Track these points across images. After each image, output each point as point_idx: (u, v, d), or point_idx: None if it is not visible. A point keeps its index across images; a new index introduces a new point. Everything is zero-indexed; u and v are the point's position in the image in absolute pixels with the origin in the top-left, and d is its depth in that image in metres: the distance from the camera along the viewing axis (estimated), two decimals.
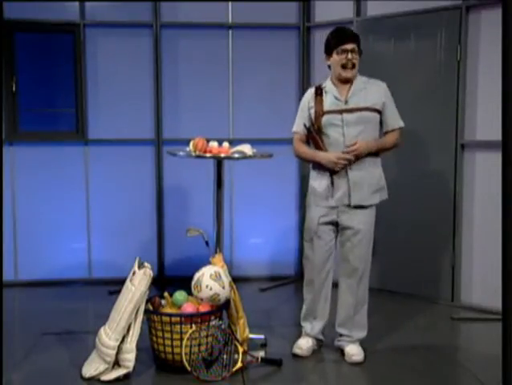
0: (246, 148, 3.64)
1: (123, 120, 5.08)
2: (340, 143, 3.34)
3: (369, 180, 3.40)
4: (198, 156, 3.57)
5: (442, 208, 4.56)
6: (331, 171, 3.36)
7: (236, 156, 3.61)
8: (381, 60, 4.73)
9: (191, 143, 3.61)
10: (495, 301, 4.11)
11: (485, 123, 4.35)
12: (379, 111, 3.40)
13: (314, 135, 3.38)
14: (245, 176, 5.11)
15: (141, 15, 5.03)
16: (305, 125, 3.43)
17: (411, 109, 4.63)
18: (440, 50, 4.49)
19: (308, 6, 5.13)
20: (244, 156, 3.61)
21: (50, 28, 5.00)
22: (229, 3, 5.10)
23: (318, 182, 3.44)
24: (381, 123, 3.46)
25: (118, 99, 5.07)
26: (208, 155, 3.57)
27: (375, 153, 3.42)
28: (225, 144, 3.68)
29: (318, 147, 3.39)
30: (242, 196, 5.21)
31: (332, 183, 3.37)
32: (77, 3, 4.96)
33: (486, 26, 4.28)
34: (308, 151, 3.47)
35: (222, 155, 3.59)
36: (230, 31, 5.14)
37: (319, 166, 3.42)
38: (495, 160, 4.20)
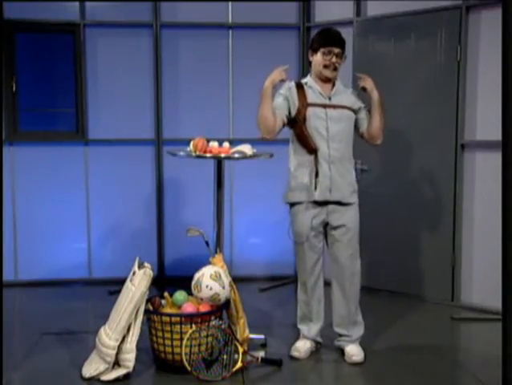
0: (246, 148, 3.64)
1: (123, 120, 5.08)
2: (324, 137, 3.39)
3: (349, 180, 3.46)
4: (198, 156, 3.57)
5: (442, 208, 4.56)
6: (316, 164, 3.38)
7: (236, 156, 3.61)
8: (381, 60, 4.73)
9: (191, 143, 3.61)
10: (495, 301, 4.11)
11: (485, 123, 4.36)
12: (355, 112, 3.49)
13: (301, 125, 3.40)
14: (245, 176, 5.11)
15: (141, 15, 5.04)
16: (287, 116, 3.45)
17: (411, 109, 4.64)
18: (440, 51, 4.49)
19: (308, 6, 5.13)
20: (244, 156, 3.62)
21: (50, 28, 5.00)
22: (229, 3, 5.10)
23: (299, 178, 3.45)
24: (357, 125, 3.53)
25: (118, 99, 5.07)
26: (208, 155, 3.58)
27: (351, 154, 3.51)
28: (225, 144, 3.68)
29: (304, 137, 3.41)
30: (242, 196, 5.21)
31: (317, 174, 3.39)
32: (77, 3, 4.96)
33: (486, 26, 4.28)
34: (259, 102, 3.44)
35: (222, 155, 3.59)
36: (230, 31, 5.14)
37: (300, 162, 3.45)
38: (495, 160, 4.20)
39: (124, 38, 5.06)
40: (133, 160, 5.12)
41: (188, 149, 3.64)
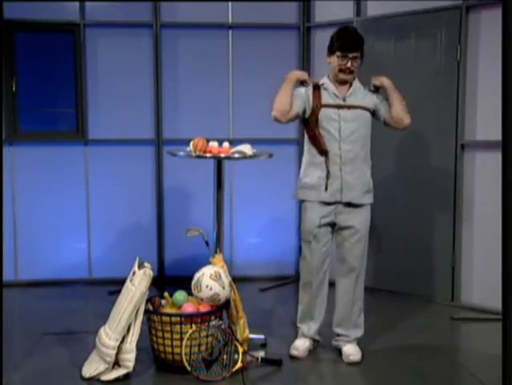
0: (246, 148, 3.64)
1: (123, 120, 5.08)
2: (336, 138, 3.38)
3: (362, 180, 3.45)
4: (198, 156, 3.57)
5: (442, 208, 4.56)
6: (328, 165, 3.38)
7: (236, 156, 3.61)
8: (381, 60, 4.73)
9: (191, 143, 3.61)
10: (495, 302, 4.11)
11: (485, 123, 4.36)
12: (371, 112, 3.47)
13: (313, 127, 3.41)
14: (245, 176, 5.11)
15: (141, 15, 5.03)
16: (304, 116, 3.44)
17: (411, 109, 4.60)
18: (440, 51, 4.49)
19: (308, 6, 5.13)
20: (244, 156, 3.61)
21: (50, 28, 5.00)
22: (229, 3, 5.10)
23: (309, 177, 3.46)
24: (377, 117, 3.50)
25: (118, 99, 5.07)
26: (208, 155, 3.57)
27: (367, 154, 3.49)
28: (225, 144, 3.68)
29: (315, 138, 3.41)
30: (242, 196, 5.21)
31: (328, 176, 3.39)
32: (77, 3, 4.96)
33: (486, 26, 4.28)
34: (281, 86, 3.42)
35: (222, 155, 3.59)
36: (230, 31, 5.14)
37: (312, 161, 3.44)
38: (495, 160, 4.20)
39: (124, 38, 5.06)
40: (133, 160, 5.12)
41: (188, 149, 3.63)
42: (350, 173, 3.39)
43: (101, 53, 5.04)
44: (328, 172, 3.38)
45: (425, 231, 4.66)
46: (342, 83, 3.43)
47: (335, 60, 3.39)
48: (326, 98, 3.41)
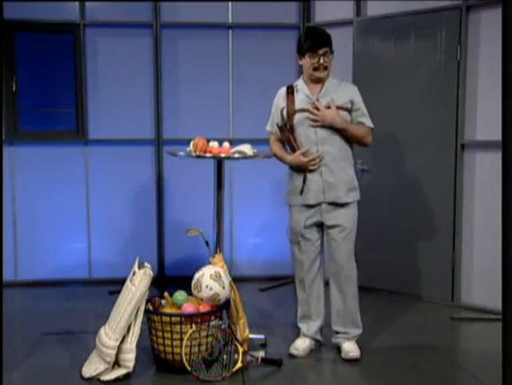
0: (246, 148, 3.64)
1: (123, 120, 5.08)
2: (313, 141, 3.40)
3: (344, 179, 3.44)
4: (198, 156, 3.57)
5: (442, 208, 4.56)
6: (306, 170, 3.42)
7: (236, 156, 3.61)
8: (381, 60, 4.73)
9: (191, 143, 3.62)
10: (495, 301, 4.11)
11: (485, 123, 4.35)
12: (349, 110, 3.45)
13: (288, 134, 3.42)
14: (245, 176, 5.11)
15: (141, 15, 5.04)
16: (277, 124, 3.48)
17: (411, 109, 4.64)
18: (440, 51, 4.48)
19: (308, 6, 5.13)
20: (244, 156, 3.62)
21: (50, 28, 5.00)
22: (229, 3, 5.10)
23: (294, 179, 3.50)
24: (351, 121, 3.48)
25: (118, 99, 5.07)
26: (208, 155, 3.58)
27: (348, 154, 3.48)
28: (225, 144, 3.68)
29: (291, 145, 3.44)
30: (242, 197, 5.21)
31: (304, 180, 3.42)
32: (77, 3, 4.96)
33: (486, 26, 4.28)
34: (278, 152, 3.56)
35: (222, 155, 3.59)
36: (230, 31, 5.14)
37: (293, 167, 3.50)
38: (495, 160, 4.20)
39: (124, 38, 5.06)
40: (133, 160, 5.12)
41: (188, 149, 3.64)
42: (331, 173, 3.40)
43: (101, 53, 5.05)
44: (305, 177, 3.41)
45: (425, 231, 4.66)
46: (316, 81, 3.43)
47: (306, 61, 3.40)
48: (299, 102, 3.42)
